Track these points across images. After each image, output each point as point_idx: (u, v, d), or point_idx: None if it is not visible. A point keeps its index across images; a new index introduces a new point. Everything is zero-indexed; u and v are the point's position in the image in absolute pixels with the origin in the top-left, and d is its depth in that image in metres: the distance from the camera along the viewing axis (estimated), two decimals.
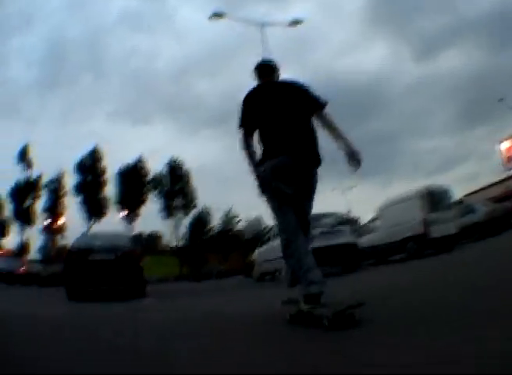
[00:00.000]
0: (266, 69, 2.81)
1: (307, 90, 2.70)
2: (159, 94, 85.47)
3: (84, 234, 11.64)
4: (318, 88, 2.74)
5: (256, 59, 2.91)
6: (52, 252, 39.99)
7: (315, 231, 7.75)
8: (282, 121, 2.52)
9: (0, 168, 59.51)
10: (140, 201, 42.02)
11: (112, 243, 7.18)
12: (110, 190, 42.32)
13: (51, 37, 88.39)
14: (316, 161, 2.57)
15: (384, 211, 11.36)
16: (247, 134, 2.58)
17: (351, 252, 9.16)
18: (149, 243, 58.01)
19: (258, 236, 28.46)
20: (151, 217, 55.24)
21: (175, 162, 43.76)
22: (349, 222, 10.25)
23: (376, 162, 63.36)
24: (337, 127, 2.63)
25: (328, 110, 2.67)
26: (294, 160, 2.45)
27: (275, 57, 3.47)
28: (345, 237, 9.14)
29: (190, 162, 64.74)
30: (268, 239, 10.78)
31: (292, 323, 2.40)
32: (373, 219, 13.04)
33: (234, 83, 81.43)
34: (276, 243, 9.11)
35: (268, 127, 2.57)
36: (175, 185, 42.77)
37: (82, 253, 6.79)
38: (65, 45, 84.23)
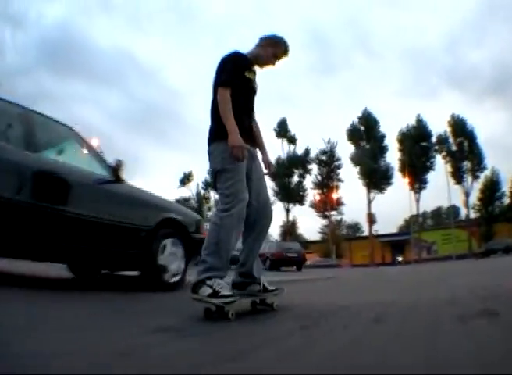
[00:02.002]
0: None
1: (220, 63, 2.36)
2: (438, 67, 79.25)
3: None
4: None
5: None
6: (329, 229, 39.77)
7: None
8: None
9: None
10: (425, 167, 37.54)
11: None
12: (393, 157, 38.49)
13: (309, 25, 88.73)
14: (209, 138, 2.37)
15: None
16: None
17: None
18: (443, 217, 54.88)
19: None
20: (439, 188, 50.15)
21: (457, 119, 38.33)
22: None
23: None
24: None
25: (222, 93, 2.21)
26: None
27: None
28: None
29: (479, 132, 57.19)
30: None
31: None
32: None
33: (504, 49, 72.48)
34: None
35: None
36: (460, 144, 37.58)
37: None
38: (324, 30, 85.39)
